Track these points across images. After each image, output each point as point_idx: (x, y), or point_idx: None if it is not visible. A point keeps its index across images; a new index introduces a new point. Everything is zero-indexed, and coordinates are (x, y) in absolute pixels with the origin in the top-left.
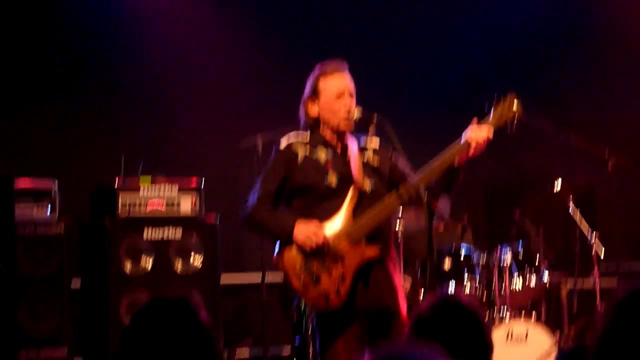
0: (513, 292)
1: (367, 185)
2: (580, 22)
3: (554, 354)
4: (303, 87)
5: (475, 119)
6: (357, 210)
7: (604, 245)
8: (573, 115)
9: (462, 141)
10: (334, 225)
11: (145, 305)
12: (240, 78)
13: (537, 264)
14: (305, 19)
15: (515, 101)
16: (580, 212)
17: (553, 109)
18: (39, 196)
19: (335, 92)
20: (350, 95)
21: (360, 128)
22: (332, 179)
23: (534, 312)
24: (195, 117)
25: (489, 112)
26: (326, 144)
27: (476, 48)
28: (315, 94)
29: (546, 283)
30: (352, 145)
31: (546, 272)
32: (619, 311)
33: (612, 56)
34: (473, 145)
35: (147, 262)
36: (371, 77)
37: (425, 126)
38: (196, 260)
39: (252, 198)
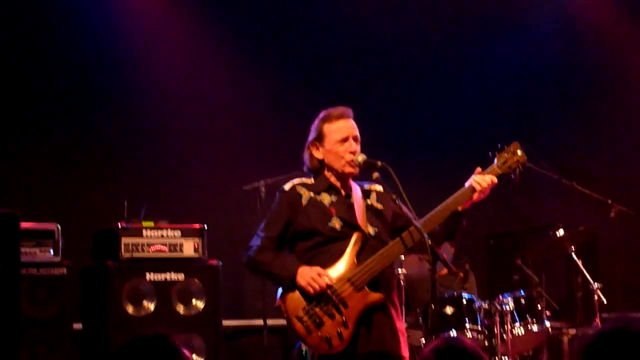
0: (515, 339)
1: (371, 230)
2: (584, 75)
3: None
4: (307, 133)
5: (478, 168)
6: (360, 255)
7: (605, 297)
8: (575, 165)
9: (467, 186)
10: (337, 270)
11: (124, 344)
12: (245, 124)
13: (538, 311)
14: (312, 65)
15: (519, 148)
16: (582, 262)
17: (555, 159)
18: (41, 239)
19: (340, 136)
20: (355, 140)
21: (363, 175)
22: (336, 223)
23: None
24: (199, 163)
25: (493, 160)
26: (330, 188)
27: (480, 98)
28: (319, 138)
29: (548, 331)
30: (356, 190)
31: (547, 320)
32: (587, 353)
33: (615, 107)
34: (478, 188)
35: (149, 305)
36: (375, 125)
37: (429, 174)
38: (198, 303)
39: (256, 241)
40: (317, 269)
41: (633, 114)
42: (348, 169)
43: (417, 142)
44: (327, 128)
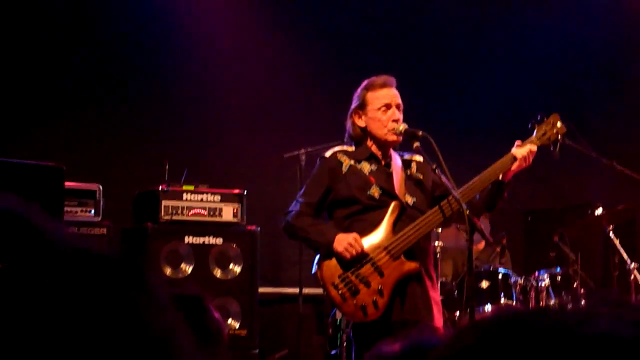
0: None
1: (409, 199)
2: (629, 54)
3: None
4: (349, 103)
5: (518, 141)
6: (397, 224)
7: None
8: (616, 144)
9: (508, 155)
10: (374, 239)
11: None
12: (287, 93)
13: (574, 289)
14: (352, 35)
15: (559, 120)
16: (620, 241)
17: (596, 137)
18: (83, 198)
19: (382, 104)
20: (398, 108)
21: (404, 145)
22: (375, 192)
23: None
24: (240, 130)
25: (532, 132)
26: (370, 157)
27: (524, 76)
28: (362, 106)
29: None
30: (396, 160)
31: (582, 299)
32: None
33: None
34: (519, 156)
35: (187, 268)
36: (416, 95)
37: (469, 146)
38: (235, 268)
39: (295, 206)
40: (354, 234)
41: None
42: (390, 137)
43: (458, 118)
44: (370, 96)
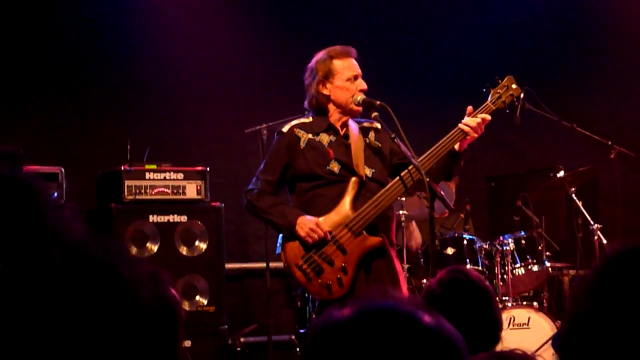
0: (515, 280)
1: (368, 171)
2: (586, 16)
3: None
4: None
5: (469, 108)
6: (358, 199)
7: (605, 238)
8: (576, 107)
9: (457, 129)
10: (335, 217)
11: None
12: (247, 68)
13: (539, 252)
14: (309, 7)
15: (513, 82)
16: (582, 203)
17: (555, 101)
18: (45, 182)
19: (351, 74)
20: (362, 78)
21: (362, 114)
22: (334, 167)
23: (535, 301)
24: (201, 107)
25: (488, 95)
26: (329, 128)
27: (478, 38)
28: (328, 75)
29: (548, 271)
30: (354, 129)
31: (547, 261)
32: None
33: (616, 48)
34: (466, 130)
35: (153, 247)
36: (372, 65)
37: (425, 114)
38: (201, 245)
39: (255, 184)
40: (316, 220)
41: (635, 56)
42: (355, 107)
43: (415, 82)
44: (338, 65)
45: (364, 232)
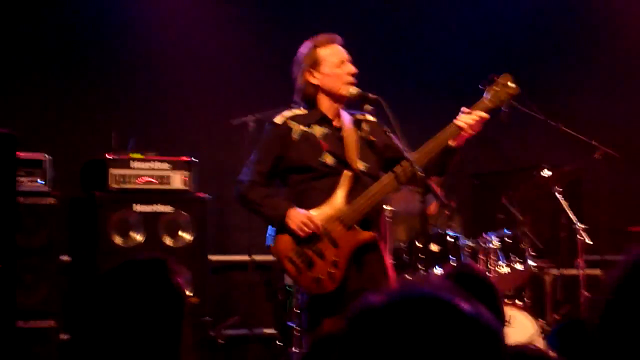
0: (499, 278)
1: (361, 165)
2: (572, 16)
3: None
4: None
5: (464, 108)
6: (351, 192)
7: (589, 237)
8: (562, 106)
9: (453, 125)
10: (328, 209)
11: (115, 267)
12: (234, 59)
13: (522, 250)
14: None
15: (510, 80)
16: (567, 202)
17: (542, 100)
18: (30, 168)
19: (338, 58)
20: (351, 62)
21: (356, 108)
22: (327, 159)
23: (517, 299)
24: (188, 97)
25: (484, 93)
26: (322, 120)
27: (469, 38)
28: (315, 64)
29: (531, 270)
30: (348, 121)
31: (531, 260)
32: (631, 273)
33: (603, 49)
34: (462, 125)
35: (137, 236)
36: (366, 59)
37: (421, 109)
38: (186, 235)
39: (246, 175)
40: (307, 213)
41: (620, 56)
42: (346, 91)
43: (408, 82)
44: (323, 52)
45: (355, 226)
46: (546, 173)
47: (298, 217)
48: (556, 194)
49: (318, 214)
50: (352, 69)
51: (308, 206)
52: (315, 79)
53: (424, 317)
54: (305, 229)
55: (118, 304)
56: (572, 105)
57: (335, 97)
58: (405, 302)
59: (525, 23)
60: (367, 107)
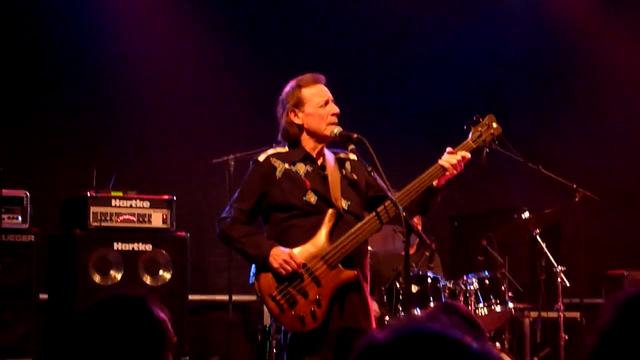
0: (478, 319)
1: (344, 204)
2: (551, 60)
3: None
4: (276, 104)
5: (449, 148)
6: (334, 231)
7: (567, 280)
8: (541, 149)
9: (436, 165)
10: (311, 248)
11: (94, 304)
12: (215, 98)
13: (502, 292)
14: (282, 41)
15: (494, 121)
16: (546, 245)
17: (522, 142)
18: (10, 205)
19: (322, 99)
20: (334, 102)
21: (340, 146)
22: (311, 197)
23: (497, 341)
24: (168, 136)
25: (468, 133)
26: (306, 159)
27: (451, 80)
28: (298, 104)
29: (511, 312)
30: (331, 160)
31: (510, 302)
32: (627, 307)
33: (582, 93)
34: (446, 166)
35: (116, 275)
36: (348, 100)
37: (402, 151)
38: (165, 274)
39: (229, 213)
40: (289, 252)
41: (599, 100)
42: (330, 131)
43: (388, 122)
44: (307, 92)
45: (339, 265)
46: (526, 215)
47: (280, 255)
48: (536, 236)
49: (300, 252)
50: (335, 109)
51: (290, 244)
52: (298, 118)
53: (433, 355)
54: (287, 267)
55: (97, 341)
56: (552, 148)
57: (318, 137)
58: (412, 340)
59: (506, 67)
60: (351, 146)
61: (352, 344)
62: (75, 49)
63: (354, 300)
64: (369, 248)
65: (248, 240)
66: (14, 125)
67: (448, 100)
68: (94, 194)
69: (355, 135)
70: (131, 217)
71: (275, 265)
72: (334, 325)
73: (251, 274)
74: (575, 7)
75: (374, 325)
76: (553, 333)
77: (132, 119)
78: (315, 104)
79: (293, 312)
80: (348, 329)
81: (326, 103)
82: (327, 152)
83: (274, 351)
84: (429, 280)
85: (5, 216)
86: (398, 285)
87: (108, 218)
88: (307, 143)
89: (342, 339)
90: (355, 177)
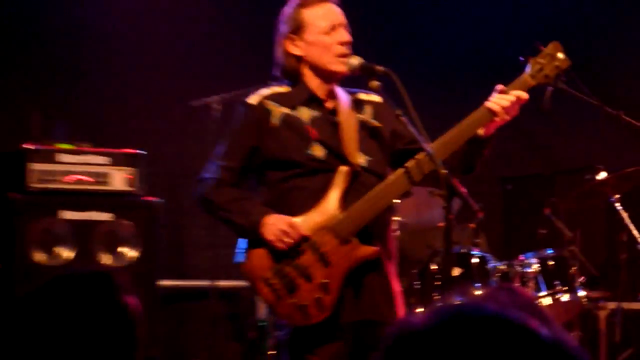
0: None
1: (362, 160)
2: None
3: None
4: (275, 28)
5: (499, 86)
6: (348, 195)
7: None
8: (621, 93)
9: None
10: (317, 217)
11: (43, 284)
12: (195, 25)
13: (571, 277)
14: None
15: (560, 50)
16: (629, 215)
17: (595, 81)
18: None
19: (327, 23)
20: (345, 29)
21: (359, 84)
22: (317, 151)
23: None
24: (135, 72)
25: (525, 67)
26: (310, 101)
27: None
28: (297, 29)
29: (581, 302)
30: (345, 102)
31: (581, 289)
32: None
33: None
34: (496, 109)
35: (64, 252)
36: (373, 25)
37: (440, 90)
38: (130, 252)
39: (211, 172)
40: (287, 218)
41: None
42: (337, 66)
43: (423, 54)
44: (308, 14)
45: (354, 238)
46: (602, 176)
47: (277, 224)
48: (615, 203)
49: (304, 222)
50: (345, 36)
51: (291, 212)
52: (297, 48)
53: (488, 343)
54: (286, 239)
55: (45, 335)
56: (635, 89)
57: (323, 74)
58: (460, 324)
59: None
60: (374, 83)
61: (372, 341)
62: None
63: (373, 285)
64: (396, 218)
65: (235, 206)
66: None
67: (501, 27)
68: (34, 146)
69: (380, 68)
70: (84, 177)
71: (270, 237)
72: (347, 318)
73: (237, 251)
74: None
75: (400, 314)
76: (637, 330)
77: (86, 51)
78: (319, 29)
79: (293, 300)
80: (366, 322)
81: (333, 29)
82: (340, 91)
83: (270, 352)
84: (475, 260)
85: None
86: (434, 267)
87: (53, 178)
88: (311, 80)
89: (358, 332)
90: (377, 124)
